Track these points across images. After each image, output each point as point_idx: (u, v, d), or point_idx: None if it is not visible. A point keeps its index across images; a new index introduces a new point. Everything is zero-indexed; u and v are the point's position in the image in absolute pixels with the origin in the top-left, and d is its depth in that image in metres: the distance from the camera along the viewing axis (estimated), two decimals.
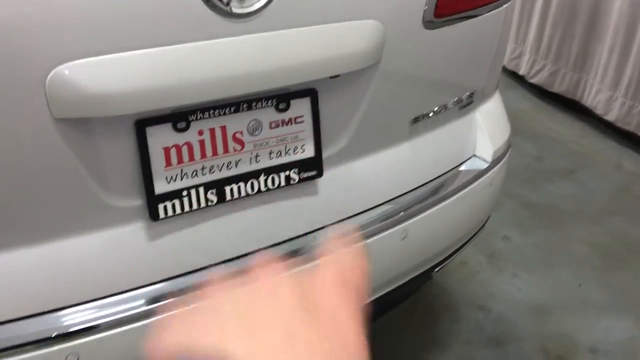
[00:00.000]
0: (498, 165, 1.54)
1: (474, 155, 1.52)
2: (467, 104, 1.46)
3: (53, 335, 0.95)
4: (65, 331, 0.96)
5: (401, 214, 1.30)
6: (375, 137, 1.27)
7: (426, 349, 2.05)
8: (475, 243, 2.34)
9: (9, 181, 0.89)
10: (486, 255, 2.49)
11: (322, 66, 1.07)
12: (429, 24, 1.22)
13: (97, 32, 0.86)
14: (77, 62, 0.86)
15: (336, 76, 1.12)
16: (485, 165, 1.50)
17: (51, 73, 0.85)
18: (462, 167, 1.47)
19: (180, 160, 1.03)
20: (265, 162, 1.12)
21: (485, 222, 1.68)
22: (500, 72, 1.62)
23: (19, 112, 0.85)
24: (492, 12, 1.36)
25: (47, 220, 0.96)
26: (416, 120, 1.33)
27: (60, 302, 0.98)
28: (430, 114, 1.36)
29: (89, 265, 0.99)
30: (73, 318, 0.98)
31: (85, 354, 0.98)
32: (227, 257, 1.10)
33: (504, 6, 1.40)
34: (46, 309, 0.97)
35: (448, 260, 1.55)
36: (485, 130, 1.52)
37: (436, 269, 1.52)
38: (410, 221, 1.32)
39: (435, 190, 1.38)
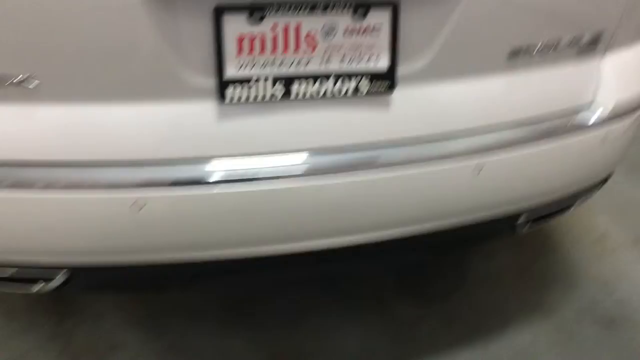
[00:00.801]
0: (617, 124, 1.41)
1: (589, 108, 1.41)
2: (587, 48, 1.35)
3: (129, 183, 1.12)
4: (134, 181, 1.13)
5: (478, 146, 1.27)
6: (462, 62, 1.24)
7: (530, 309, 1.97)
8: (623, 222, 2.17)
9: (106, 49, 1.05)
10: (633, 238, 2.28)
11: None
12: None
13: None
14: None
15: None
16: (597, 119, 1.39)
17: None
18: (567, 116, 1.37)
19: (251, 51, 1.12)
20: (335, 67, 1.16)
21: (597, 186, 1.55)
22: None
23: None
24: None
25: (135, 87, 1.11)
26: (515, 53, 1.27)
27: (140, 155, 1.15)
28: (534, 52, 1.28)
29: (163, 129, 1.14)
30: (150, 171, 1.14)
31: (150, 199, 1.14)
32: (285, 150, 1.19)
33: None
34: (131, 159, 1.14)
35: (539, 215, 1.47)
36: (608, 83, 1.40)
37: (521, 220, 1.46)
38: (488, 157, 1.28)
39: (527, 132, 1.31)
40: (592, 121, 1.38)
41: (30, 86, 1.07)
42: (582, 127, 1.37)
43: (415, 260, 1.92)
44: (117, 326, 1.85)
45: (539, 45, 1.28)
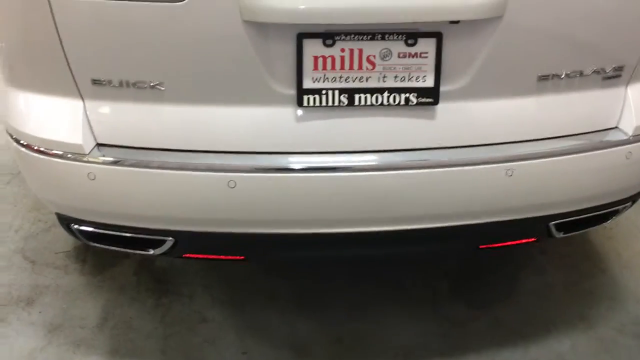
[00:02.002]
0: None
1: (617, 127, 1.63)
2: (612, 76, 1.58)
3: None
4: (226, 165, 1.47)
5: (510, 153, 1.52)
6: (496, 84, 1.51)
7: (571, 323, 2.14)
8: None
9: (215, 65, 1.41)
10: None
11: (441, 10, 1.37)
12: None
13: None
14: None
15: (456, 22, 1.41)
16: (624, 137, 1.61)
17: None
18: (594, 134, 1.60)
19: (324, 67, 1.45)
20: (390, 83, 1.47)
21: (626, 201, 1.75)
22: None
23: (221, 15, 1.36)
24: None
25: (235, 93, 1.47)
26: (544, 78, 1.53)
27: (235, 147, 1.49)
28: (562, 76, 1.54)
29: (257, 127, 1.49)
30: (237, 159, 1.49)
31: (240, 181, 1.47)
32: (350, 149, 1.50)
33: None
34: (226, 150, 1.49)
35: (570, 222, 1.68)
36: (633, 107, 1.62)
37: (555, 222, 1.68)
38: (518, 162, 1.53)
39: (555, 147, 1.55)
40: (615, 141, 1.60)
41: (160, 89, 1.45)
42: (606, 146, 1.59)
43: (454, 253, 2.14)
44: (205, 305, 2.19)
45: (565, 72, 1.53)
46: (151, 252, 1.64)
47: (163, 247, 1.62)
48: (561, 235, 1.74)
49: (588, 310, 2.18)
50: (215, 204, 1.51)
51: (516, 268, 2.37)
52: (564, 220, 1.68)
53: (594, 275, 2.35)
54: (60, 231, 1.84)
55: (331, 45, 1.44)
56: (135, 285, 2.28)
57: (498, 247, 1.77)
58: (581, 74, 1.55)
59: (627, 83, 1.62)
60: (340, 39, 1.43)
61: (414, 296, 2.23)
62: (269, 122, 1.49)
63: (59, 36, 1.39)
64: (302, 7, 1.35)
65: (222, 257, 1.74)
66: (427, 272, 2.32)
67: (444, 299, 2.22)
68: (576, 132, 1.60)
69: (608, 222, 1.83)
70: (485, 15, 1.39)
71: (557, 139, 1.58)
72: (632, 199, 1.77)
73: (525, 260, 2.41)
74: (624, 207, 1.77)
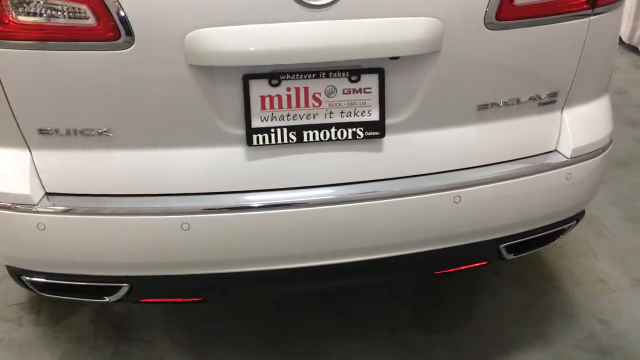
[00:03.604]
0: (581, 163, 1.69)
1: (555, 150, 1.71)
2: (548, 102, 1.66)
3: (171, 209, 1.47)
4: (179, 208, 1.48)
5: (456, 180, 1.57)
6: (439, 114, 1.57)
7: (529, 342, 2.19)
8: (624, 267, 2.39)
9: (163, 108, 1.43)
10: (632, 279, 2.49)
11: (381, 47, 1.42)
12: (491, 25, 1.49)
13: (217, 11, 1.35)
14: (203, 29, 1.36)
15: (396, 58, 1.46)
16: (563, 160, 1.68)
17: (188, 35, 1.36)
18: (535, 158, 1.67)
19: (271, 106, 1.48)
20: (337, 118, 1.51)
21: (570, 221, 1.81)
22: (606, 77, 1.76)
23: (166, 60, 1.38)
24: (570, 21, 1.56)
25: (184, 135, 1.49)
26: (484, 107, 1.59)
27: (187, 189, 1.50)
28: (500, 104, 1.60)
29: (208, 167, 1.50)
30: (190, 201, 1.49)
31: (194, 223, 1.48)
32: (301, 185, 1.52)
33: (589, 18, 1.58)
34: (178, 192, 1.50)
35: (518, 241, 1.74)
36: (569, 130, 1.69)
37: (505, 244, 1.73)
38: (465, 189, 1.58)
39: (497, 172, 1.61)
40: (555, 163, 1.67)
41: (109, 135, 1.45)
42: (547, 169, 1.66)
43: (409, 281, 2.18)
44: (165, 349, 2.16)
45: (503, 100, 1.60)
46: (107, 299, 1.63)
47: (118, 293, 1.61)
48: (512, 256, 1.80)
49: (544, 328, 2.23)
50: (170, 247, 1.51)
51: (472, 291, 2.42)
52: (513, 242, 1.73)
53: (548, 293, 2.42)
54: (12, 283, 1.80)
55: (277, 85, 1.47)
56: (93, 334, 2.23)
57: (453, 271, 1.81)
58: (518, 101, 1.62)
59: (562, 107, 1.70)
60: (285, 79, 1.47)
61: (373, 326, 2.24)
62: (220, 162, 1.51)
63: (2, 87, 1.39)
64: (246, 50, 1.39)
65: (180, 300, 1.73)
66: (385, 300, 2.34)
67: (403, 327, 2.24)
68: (518, 157, 1.66)
69: (556, 241, 1.90)
70: (423, 50, 1.45)
71: (501, 164, 1.65)
72: (576, 218, 1.84)
73: (480, 283, 2.46)
74: (569, 226, 1.83)
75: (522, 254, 1.84)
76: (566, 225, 1.82)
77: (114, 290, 1.61)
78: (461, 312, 2.33)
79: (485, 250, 1.74)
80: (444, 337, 2.20)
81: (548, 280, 2.49)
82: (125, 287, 1.60)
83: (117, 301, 1.63)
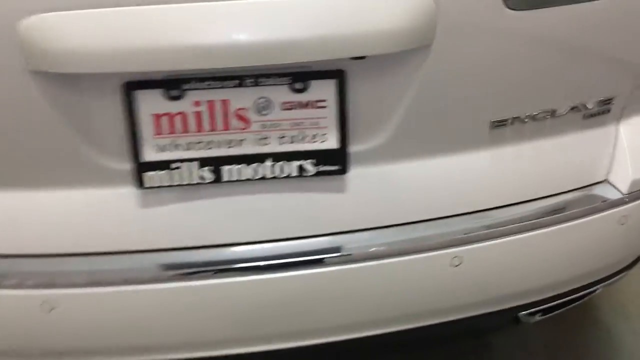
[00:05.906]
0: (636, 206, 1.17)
1: (606, 181, 1.18)
2: (598, 112, 1.12)
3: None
4: (40, 281, 0.99)
5: (455, 236, 1.06)
6: (431, 137, 1.04)
7: None
8: None
9: (36, 130, 0.93)
10: None
11: (341, 43, 0.89)
12: (515, 2, 0.94)
13: None
14: (47, 14, 0.84)
15: (361, 58, 0.93)
16: (618, 197, 1.15)
17: (22, 22, 0.84)
18: (575, 194, 1.14)
19: (172, 130, 0.97)
20: (274, 146, 1.00)
21: (624, 271, 1.30)
22: None
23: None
24: None
25: (42, 172, 0.98)
26: (500, 124, 1.06)
27: (52, 248, 1.01)
28: (525, 119, 1.07)
29: (73, 219, 1.00)
30: (55, 264, 1.01)
31: (63, 303, 1.00)
32: (217, 243, 1.02)
33: None
34: (42, 252, 1.01)
35: (546, 307, 1.24)
36: (628, 152, 1.16)
37: (524, 313, 1.23)
38: (468, 246, 1.07)
39: (517, 221, 1.09)
40: (603, 203, 1.14)
41: None
42: (590, 211, 1.13)
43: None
44: None
45: (529, 114, 1.06)
46: None
47: None
48: (532, 321, 1.29)
49: None
50: (29, 331, 1.04)
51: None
52: (537, 309, 1.23)
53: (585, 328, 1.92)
54: None
55: (178, 98, 0.95)
56: None
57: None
58: (553, 113, 1.09)
59: (619, 120, 1.16)
60: (191, 88, 0.95)
61: None
62: (96, 210, 1.01)
63: None
64: (124, 46, 0.87)
65: None
66: None
67: None
68: (549, 194, 1.13)
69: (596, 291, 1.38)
70: (404, 46, 0.91)
71: (523, 205, 1.12)
72: (627, 269, 1.32)
73: None
74: (614, 281, 1.32)
75: (548, 315, 1.33)
76: (616, 278, 1.30)
77: None
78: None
79: (496, 321, 1.23)
80: None
81: (585, 313, 1.98)
82: None
83: None
